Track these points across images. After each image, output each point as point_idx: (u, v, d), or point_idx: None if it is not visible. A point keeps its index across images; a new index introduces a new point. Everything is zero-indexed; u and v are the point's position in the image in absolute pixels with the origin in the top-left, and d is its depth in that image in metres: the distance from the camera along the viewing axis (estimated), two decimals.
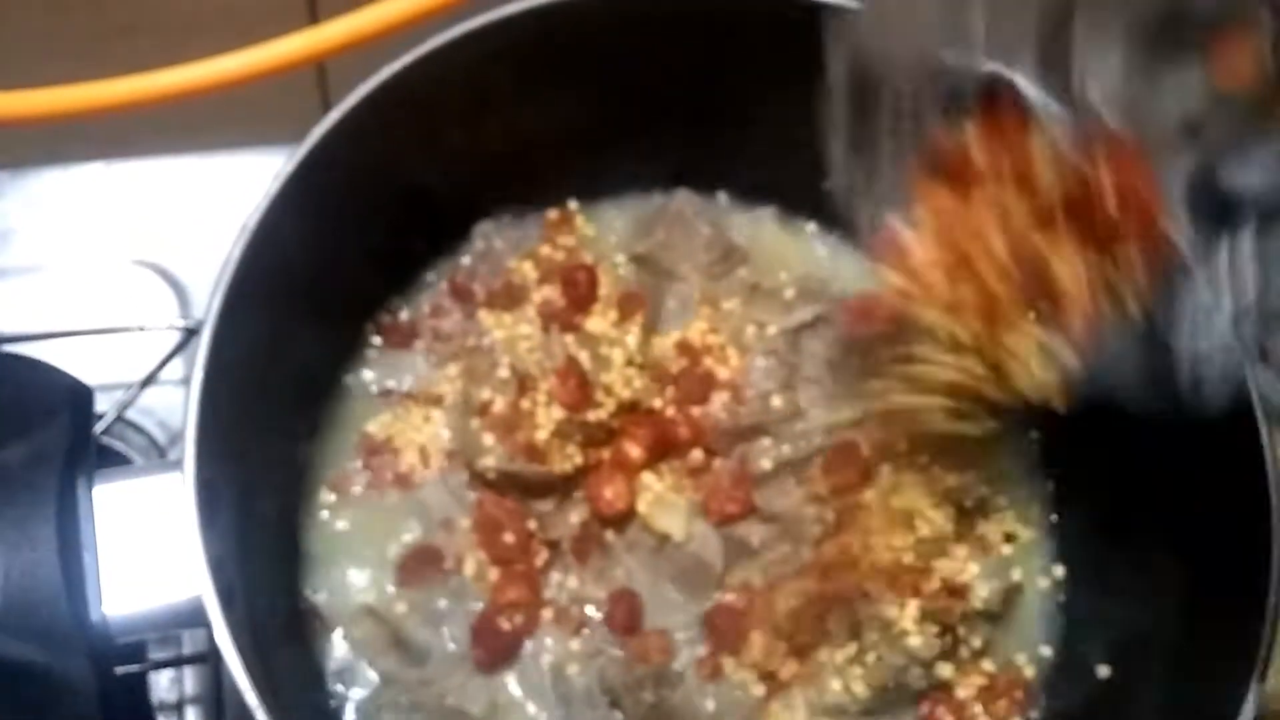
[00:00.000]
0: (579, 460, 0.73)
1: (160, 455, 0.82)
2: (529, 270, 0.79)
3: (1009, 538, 0.75)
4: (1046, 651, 0.75)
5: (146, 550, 0.59)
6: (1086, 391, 0.61)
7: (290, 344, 0.71)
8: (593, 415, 0.73)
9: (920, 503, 0.74)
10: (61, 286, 0.88)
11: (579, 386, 0.73)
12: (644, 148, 0.79)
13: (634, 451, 0.74)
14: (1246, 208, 0.54)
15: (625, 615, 0.72)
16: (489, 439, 0.73)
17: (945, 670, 0.72)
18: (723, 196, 0.83)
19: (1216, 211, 0.54)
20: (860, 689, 0.70)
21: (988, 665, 0.73)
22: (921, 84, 0.56)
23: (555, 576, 0.73)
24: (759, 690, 0.71)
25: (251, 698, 0.56)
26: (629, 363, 0.75)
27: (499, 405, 0.74)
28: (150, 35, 0.98)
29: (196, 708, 0.78)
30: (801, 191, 0.81)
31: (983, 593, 0.72)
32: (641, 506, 0.73)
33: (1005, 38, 0.55)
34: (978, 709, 0.72)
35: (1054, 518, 0.77)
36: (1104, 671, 0.71)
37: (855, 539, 0.73)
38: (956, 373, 0.65)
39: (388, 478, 0.75)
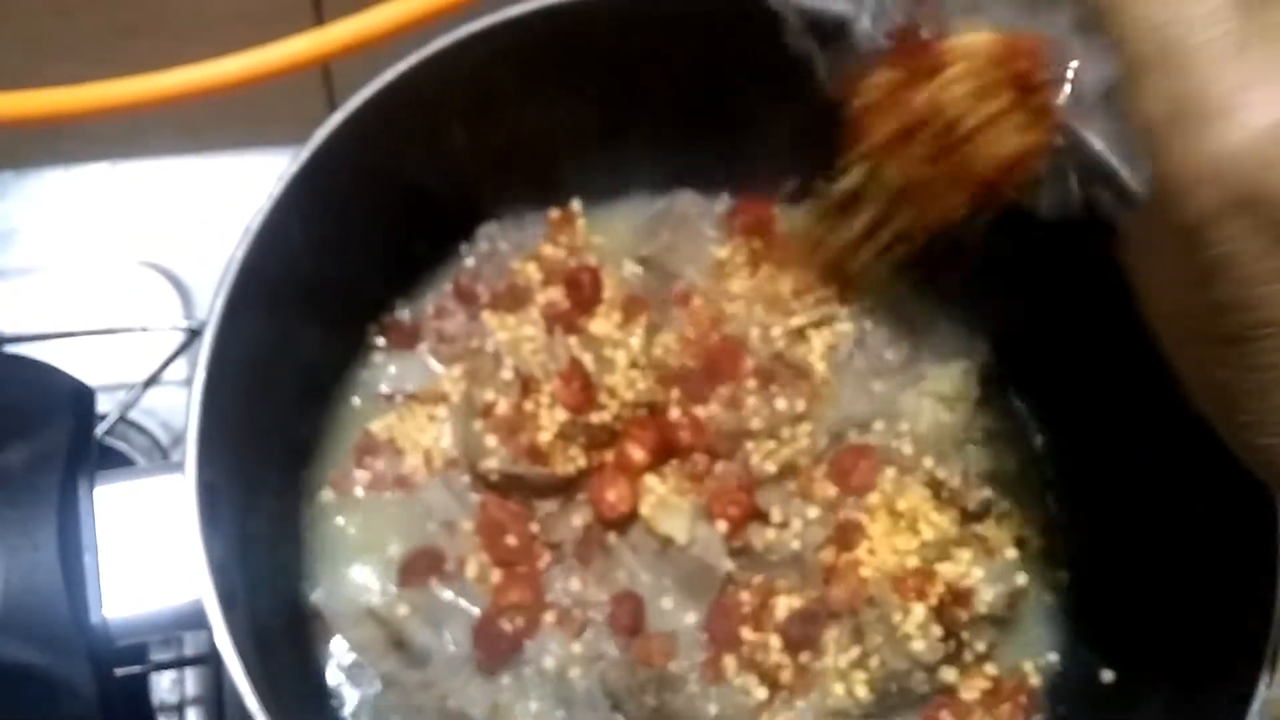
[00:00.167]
0: (582, 462, 0.73)
1: (163, 456, 0.82)
2: (533, 272, 0.79)
3: (1019, 543, 0.75)
4: (1051, 656, 0.75)
5: (148, 551, 0.59)
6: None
7: (293, 345, 0.71)
8: (596, 417, 0.73)
9: (924, 506, 0.74)
10: (65, 287, 0.88)
11: (582, 388, 0.73)
12: (648, 149, 0.79)
13: (637, 454, 0.73)
14: None
15: (627, 618, 0.71)
16: (492, 440, 0.73)
17: (949, 674, 0.71)
18: (726, 197, 0.82)
19: None
20: (863, 693, 0.70)
21: (992, 669, 0.73)
22: None
23: (557, 579, 0.73)
24: (761, 693, 0.70)
25: (252, 700, 0.56)
26: (632, 365, 0.75)
27: (502, 407, 0.74)
28: (154, 36, 0.98)
29: (197, 709, 0.78)
30: (805, 192, 0.81)
31: (987, 596, 0.72)
32: (644, 509, 0.73)
33: None
34: (981, 713, 0.72)
35: (1058, 521, 0.77)
36: (1108, 676, 0.71)
37: (859, 542, 0.73)
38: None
39: (390, 479, 0.75)
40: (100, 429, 0.78)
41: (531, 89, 0.73)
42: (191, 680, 0.79)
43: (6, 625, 0.54)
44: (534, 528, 0.73)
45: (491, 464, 0.72)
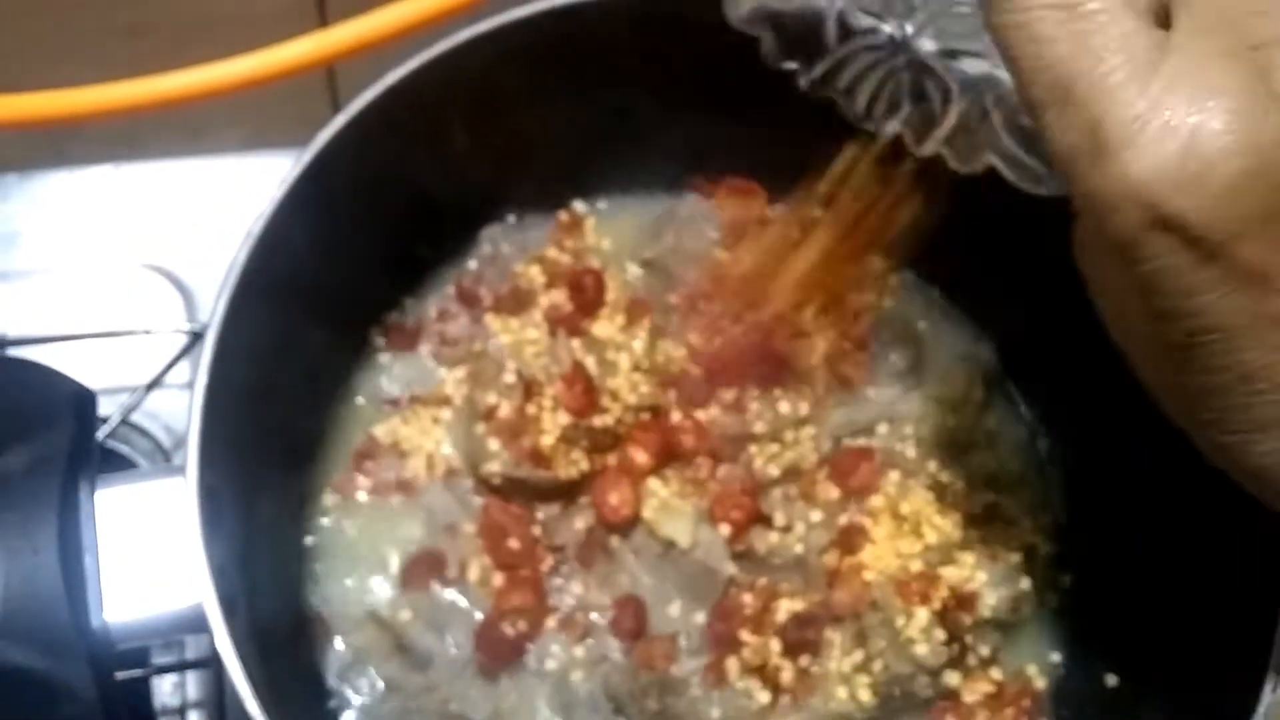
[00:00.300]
0: (584, 466, 0.73)
1: (165, 459, 0.82)
2: (536, 275, 0.79)
3: (1024, 546, 0.75)
4: (1055, 660, 0.74)
5: (149, 555, 0.58)
6: None
7: (295, 348, 0.71)
8: (599, 421, 0.73)
9: (927, 509, 0.74)
10: (67, 290, 0.88)
11: (585, 392, 0.73)
12: (651, 151, 0.79)
13: (640, 457, 0.73)
14: None
15: (630, 621, 0.71)
16: (494, 444, 0.73)
17: (953, 678, 0.71)
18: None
19: None
20: (866, 697, 0.70)
21: (996, 673, 0.73)
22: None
23: (560, 582, 0.73)
24: (764, 697, 0.70)
25: (253, 704, 0.56)
26: (635, 368, 0.75)
27: (505, 410, 0.73)
28: (158, 38, 0.98)
29: (199, 713, 0.78)
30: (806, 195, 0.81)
31: (991, 600, 0.72)
32: (647, 512, 0.73)
33: None
34: (985, 717, 0.72)
35: (1062, 524, 0.77)
36: (1112, 680, 0.71)
37: (862, 546, 0.73)
38: None
39: (392, 483, 0.75)
40: (102, 432, 0.78)
41: (535, 91, 0.73)
42: (193, 684, 0.79)
43: (6, 629, 0.54)
44: (536, 531, 0.73)
45: (494, 467, 0.72)
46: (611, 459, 0.74)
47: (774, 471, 0.74)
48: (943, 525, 0.73)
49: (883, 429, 0.76)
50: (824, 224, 0.76)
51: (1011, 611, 0.73)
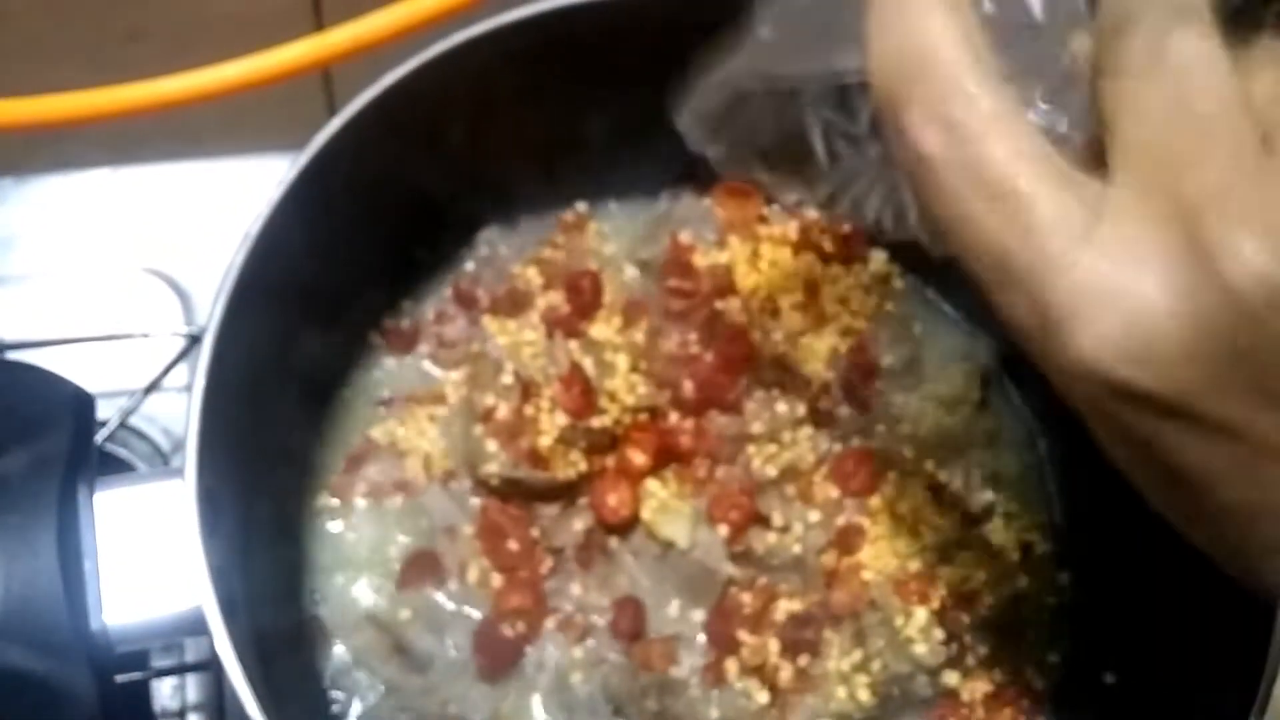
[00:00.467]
0: (583, 467, 0.73)
1: (164, 462, 0.82)
2: (533, 276, 0.79)
3: (1022, 546, 0.75)
4: (1053, 659, 0.74)
5: (148, 558, 0.58)
6: None
7: (293, 351, 0.71)
8: (597, 422, 0.73)
9: (925, 509, 0.74)
10: (65, 293, 0.88)
11: (583, 393, 0.73)
12: (649, 153, 0.78)
13: (638, 458, 0.73)
14: None
15: (629, 623, 0.71)
16: (492, 445, 0.73)
17: (951, 678, 0.71)
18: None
19: None
20: (865, 697, 0.70)
21: (995, 673, 0.73)
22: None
23: (559, 584, 0.73)
24: (763, 697, 0.70)
25: (253, 706, 0.56)
26: (633, 369, 0.75)
27: (502, 411, 0.73)
28: (155, 41, 0.98)
29: (199, 715, 0.78)
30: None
31: (989, 600, 0.72)
32: (645, 513, 0.73)
33: None
34: (984, 716, 0.72)
35: (1060, 524, 0.77)
36: (1110, 679, 0.71)
37: (860, 546, 0.73)
38: None
39: (390, 485, 0.75)
40: (100, 435, 0.78)
41: (531, 93, 0.73)
42: (192, 686, 0.78)
43: (6, 632, 0.54)
44: (535, 533, 0.73)
45: (492, 469, 0.72)
46: (610, 460, 0.74)
47: (772, 472, 0.74)
48: (941, 525, 0.73)
49: (880, 429, 0.76)
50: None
51: (1010, 611, 0.73)
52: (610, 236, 0.82)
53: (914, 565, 0.72)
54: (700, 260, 0.79)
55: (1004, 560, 0.74)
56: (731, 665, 0.71)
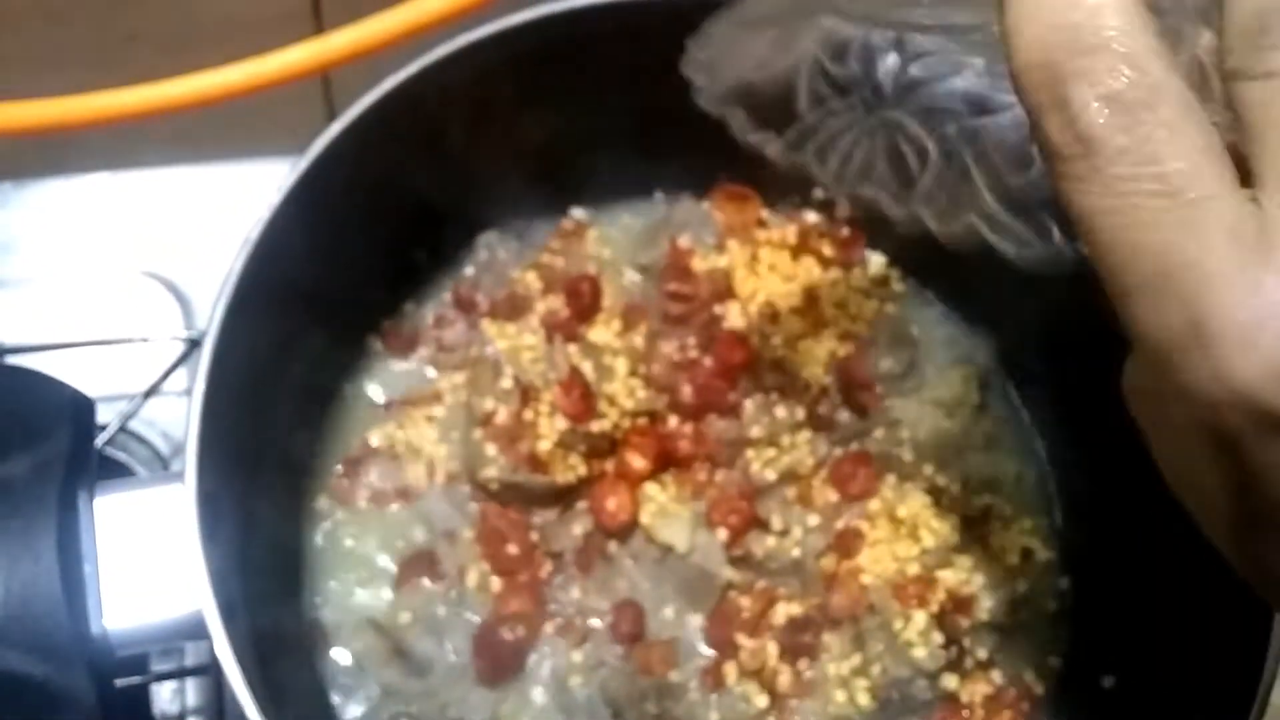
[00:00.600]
0: (582, 471, 0.73)
1: (163, 466, 0.82)
2: (532, 280, 0.79)
3: (1021, 549, 0.75)
4: (1053, 662, 0.74)
5: (148, 562, 0.58)
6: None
7: (293, 354, 0.71)
8: (596, 426, 0.73)
9: (924, 513, 0.74)
10: (64, 297, 0.87)
11: (582, 397, 0.73)
12: (648, 157, 0.79)
13: (637, 462, 0.73)
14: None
15: (628, 626, 0.71)
16: (492, 449, 0.73)
17: (951, 682, 0.71)
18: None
19: None
20: (865, 700, 0.70)
21: (994, 676, 0.73)
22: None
23: (558, 588, 0.73)
24: (762, 701, 0.70)
25: (253, 710, 0.56)
26: (632, 373, 0.75)
27: (502, 416, 0.73)
28: (154, 45, 0.98)
29: (198, 719, 0.78)
30: (802, 200, 0.81)
31: (988, 603, 0.72)
32: (644, 517, 0.73)
33: None
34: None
35: (1059, 528, 0.77)
36: (1110, 683, 0.71)
37: (859, 549, 0.73)
38: None
39: (389, 489, 0.75)
40: (100, 439, 0.78)
41: (531, 97, 0.73)
42: (192, 690, 0.78)
43: (6, 636, 0.54)
44: (534, 536, 0.73)
45: (491, 473, 0.72)
46: (609, 464, 0.74)
47: (771, 475, 0.74)
48: (940, 528, 0.73)
49: (879, 433, 0.76)
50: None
51: (1009, 615, 0.73)
52: (609, 240, 0.82)
53: (913, 569, 0.72)
54: (699, 264, 0.79)
55: (1003, 564, 0.74)
56: (731, 669, 0.71)
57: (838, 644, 0.71)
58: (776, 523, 0.73)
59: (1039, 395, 0.80)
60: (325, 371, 0.77)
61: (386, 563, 0.74)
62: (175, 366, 0.81)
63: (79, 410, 0.60)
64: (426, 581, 0.73)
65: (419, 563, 0.73)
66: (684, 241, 0.80)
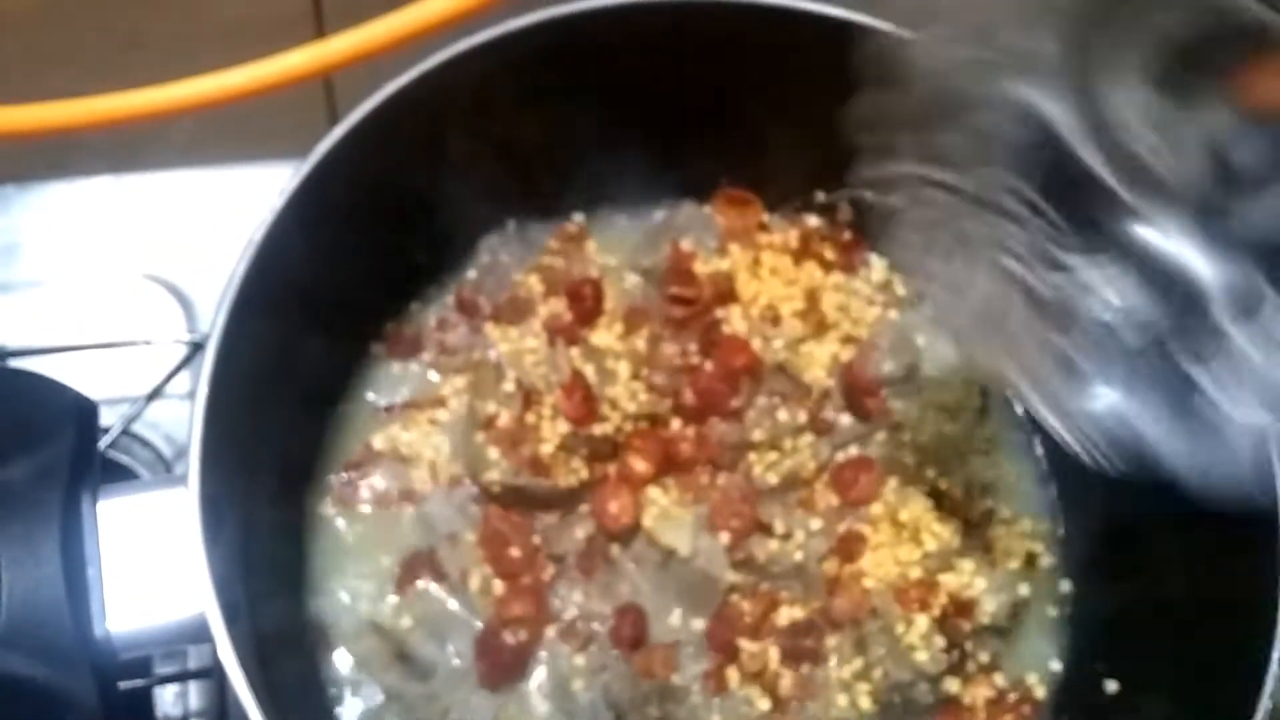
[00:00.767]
0: (584, 474, 0.73)
1: (166, 469, 0.82)
2: (535, 284, 0.79)
3: (1022, 553, 0.75)
4: (1055, 666, 0.74)
5: (151, 565, 0.59)
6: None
7: (296, 358, 0.71)
8: (598, 429, 0.73)
9: (926, 516, 0.74)
10: (68, 301, 0.88)
11: (584, 400, 0.73)
12: (649, 160, 0.79)
13: (639, 466, 0.74)
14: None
15: (630, 630, 0.71)
16: (494, 453, 0.73)
17: (952, 685, 0.71)
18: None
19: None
20: (867, 704, 0.70)
21: (996, 680, 0.73)
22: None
23: (560, 591, 0.73)
24: (764, 704, 0.70)
25: (255, 713, 0.56)
26: (634, 377, 0.75)
27: (504, 419, 0.74)
28: (157, 49, 0.98)
29: None
30: (803, 204, 0.81)
31: (990, 607, 0.72)
32: (647, 521, 0.73)
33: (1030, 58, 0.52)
34: None
35: (1060, 531, 0.77)
36: (1111, 687, 0.71)
37: (861, 553, 0.73)
38: None
39: (392, 492, 0.75)
40: (103, 443, 0.78)
41: (532, 101, 0.73)
42: (195, 693, 0.78)
43: (10, 639, 0.54)
44: (537, 540, 0.73)
45: (493, 476, 0.72)
46: (611, 468, 0.74)
47: (773, 479, 0.74)
48: (942, 532, 0.73)
49: (881, 436, 0.76)
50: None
51: (1011, 618, 0.73)
52: (611, 244, 0.82)
53: (915, 573, 0.72)
54: (701, 268, 0.79)
55: (1005, 568, 0.74)
56: (733, 672, 0.71)
57: (840, 647, 0.71)
58: (779, 526, 0.73)
59: None
60: (328, 374, 0.77)
61: (389, 566, 0.74)
62: (178, 369, 0.81)
63: (82, 413, 0.61)
64: (429, 585, 0.73)
65: (421, 565, 0.73)
66: (686, 245, 0.80)
